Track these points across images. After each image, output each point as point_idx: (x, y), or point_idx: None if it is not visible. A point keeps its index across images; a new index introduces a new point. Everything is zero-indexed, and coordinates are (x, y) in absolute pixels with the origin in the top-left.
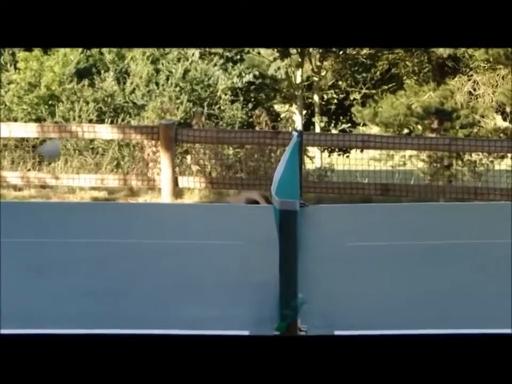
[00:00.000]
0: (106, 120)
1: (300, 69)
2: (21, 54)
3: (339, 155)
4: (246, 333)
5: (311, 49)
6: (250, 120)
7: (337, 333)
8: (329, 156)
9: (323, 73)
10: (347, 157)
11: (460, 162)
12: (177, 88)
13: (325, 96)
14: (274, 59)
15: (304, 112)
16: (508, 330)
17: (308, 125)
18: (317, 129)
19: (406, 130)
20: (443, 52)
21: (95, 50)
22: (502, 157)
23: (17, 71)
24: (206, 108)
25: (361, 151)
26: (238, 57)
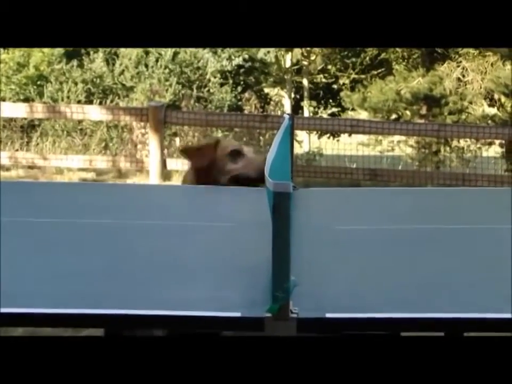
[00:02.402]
0: (95, 101)
1: (290, 53)
2: None
3: (328, 138)
4: (238, 314)
5: None
6: (240, 103)
7: (328, 315)
8: (318, 139)
9: (312, 58)
10: (337, 141)
11: (448, 148)
12: (167, 70)
13: (314, 80)
14: None
15: (293, 96)
16: (507, 315)
17: (297, 108)
18: (306, 113)
19: (394, 116)
20: None
21: None
22: (490, 144)
23: (5, 50)
24: (195, 91)
25: (350, 135)
26: None
